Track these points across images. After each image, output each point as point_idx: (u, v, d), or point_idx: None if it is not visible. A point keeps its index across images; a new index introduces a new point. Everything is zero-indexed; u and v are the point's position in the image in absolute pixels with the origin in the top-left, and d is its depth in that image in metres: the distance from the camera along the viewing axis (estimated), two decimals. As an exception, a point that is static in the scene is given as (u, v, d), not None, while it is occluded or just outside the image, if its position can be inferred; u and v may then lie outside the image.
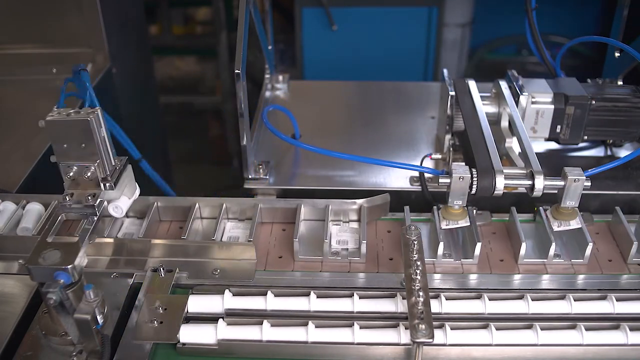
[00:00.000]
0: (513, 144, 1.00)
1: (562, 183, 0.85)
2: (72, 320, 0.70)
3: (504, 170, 0.86)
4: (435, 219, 0.92)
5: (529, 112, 1.04)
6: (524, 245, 0.87)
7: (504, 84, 1.08)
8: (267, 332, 0.75)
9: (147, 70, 2.01)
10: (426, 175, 1.04)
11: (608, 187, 1.04)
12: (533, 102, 1.04)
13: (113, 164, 0.80)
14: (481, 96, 1.06)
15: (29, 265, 0.70)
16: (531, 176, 0.86)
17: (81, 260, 0.72)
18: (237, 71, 0.95)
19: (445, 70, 1.12)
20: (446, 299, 0.79)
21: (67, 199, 0.78)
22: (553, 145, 1.14)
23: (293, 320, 0.77)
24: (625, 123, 1.06)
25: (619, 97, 1.05)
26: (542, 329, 0.75)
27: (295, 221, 0.92)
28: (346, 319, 0.77)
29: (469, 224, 0.89)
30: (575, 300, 0.79)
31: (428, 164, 1.09)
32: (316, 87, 1.49)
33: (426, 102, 1.34)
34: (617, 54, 1.21)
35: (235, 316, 0.79)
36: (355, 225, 0.96)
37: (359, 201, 0.95)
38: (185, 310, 0.78)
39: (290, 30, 2.26)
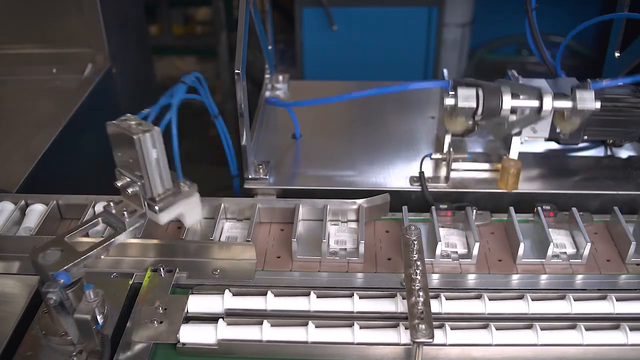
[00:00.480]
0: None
1: (571, 103, 0.80)
2: (72, 320, 0.70)
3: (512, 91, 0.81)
4: (433, 219, 0.92)
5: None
6: (522, 245, 0.87)
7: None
8: (267, 332, 0.75)
9: (147, 70, 2.01)
10: (426, 175, 1.04)
11: (608, 187, 1.04)
12: (533, 102, 1.04)
13: (166, 187, 0.74)
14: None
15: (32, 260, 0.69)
16: (539, 96, 0.82)
17: (78, 268, 0.71)
18: (237, 71, 0.95)
19: (445, 70, 1.12)
20: (446, 299, 0.79)
21: (111, 205, 0.76)
22: (553, 145, 1.14)
23: (293, 320, 0.77)
24: (625, 123, 1.06)
25: (619, 97, 1.05)
26: (542, 329, 0.75)
27: (294, 221, 0.92)
28: (346, 319, 0.77)
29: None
30: (575, 300, 0.79)
31: (428, 164, 1.09)
32: (316, 87, 1.49)
33: (426, 102, 1.34)
34: (617, 54, 1.21)
35: (235, 316, 0.79)
36: (354, 225, 0.96)
37: (358, 201, 0.95)
38: (185, 310, 0.78)
39: (290, 30, 2.26)
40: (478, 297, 0.80)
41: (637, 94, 1.06)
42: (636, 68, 1.15)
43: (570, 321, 0.77)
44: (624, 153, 1.14)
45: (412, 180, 1.06)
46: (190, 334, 0.75)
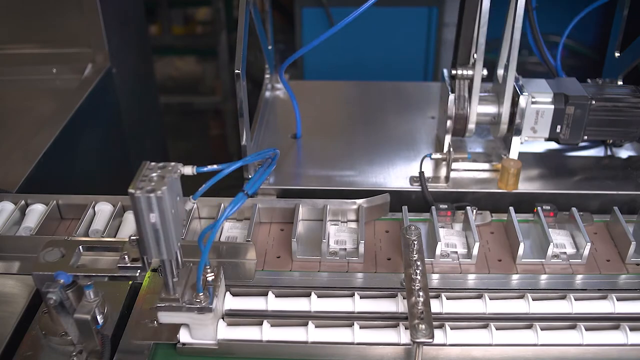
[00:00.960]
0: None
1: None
2: (72, 320, 0.70)
3: None
4: (433, 219, 0.92)
5: (529, 112, 1.04)
6: (522, 245, 0.87)
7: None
8: (267, 332, 0.75)
9: (147, 70, 2.01)
10: (426, 175, 1.04)
11: (608, 187, 1.04)
12: (533, 102, 1.04)
13: (165, 258, 0.67)
14: (481, 96, 1.06)
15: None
16: None
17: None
18: (237, 71, 0.95)
19: (445, 70, 1.12)
20: (446, 299, 0.79)
21: (128, 241, 0.76)
22: (553, 145, 1.14)
23: (293, 321, 0.77)
24: (625, 123, 1.06)
25: (619, 97, 1.05)
26: (542, 329, 0.75)
27: (294, 221, 0.92)
28: (346, 319, 0.77)
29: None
30: (575, 300, 0.79)
31: (428, 164, 1.09)
32: (316, 87, 1.49)
33: (426, 102, 1.34)
34: (617, 54, 1.21)
35: (235, 316, 0.79)
36: (354, 225, 0.96)
37: (358, 201, 0.95)
38: (185, 310, 0.78)
39: (290, 30, 2.26)
40: (478, 297, 0.80)
41: (637, 94, 1.06)
42: (636, 68, 1.15)
43: (570, 321, 0.77)
44: (624, 153, 1.15)
45: (412, 180, 1.06)
46: (190, 334, 0.75)
